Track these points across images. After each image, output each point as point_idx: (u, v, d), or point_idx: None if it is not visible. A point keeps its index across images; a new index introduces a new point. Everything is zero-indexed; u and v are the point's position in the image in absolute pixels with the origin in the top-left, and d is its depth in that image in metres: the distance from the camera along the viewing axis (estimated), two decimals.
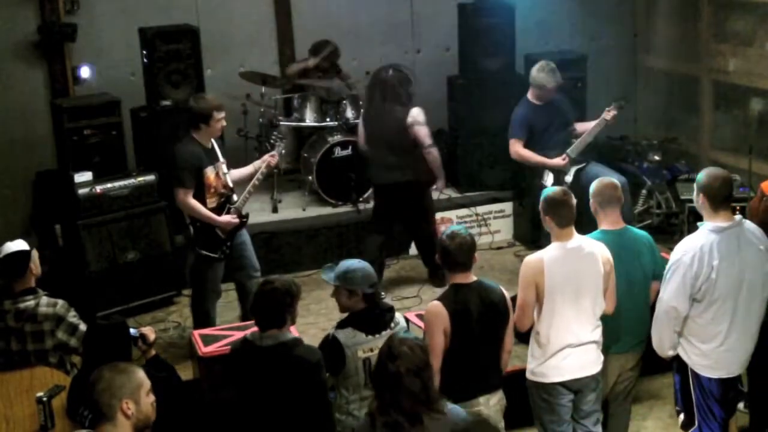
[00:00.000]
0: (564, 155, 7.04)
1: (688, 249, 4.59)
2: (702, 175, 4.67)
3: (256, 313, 4.22)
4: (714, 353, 4.66)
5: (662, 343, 4.76)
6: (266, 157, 6.43)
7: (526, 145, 7.19)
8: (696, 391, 4.77)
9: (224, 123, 6.15)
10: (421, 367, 3.39)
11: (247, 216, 6.32)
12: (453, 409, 3.54)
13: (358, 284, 4.38)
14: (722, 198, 4.60)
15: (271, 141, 7.15)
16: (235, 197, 6.26)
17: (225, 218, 6.13)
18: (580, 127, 7.26)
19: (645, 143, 8.60)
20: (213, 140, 6.18)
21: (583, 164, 7.07)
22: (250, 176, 6.34)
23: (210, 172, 6.07)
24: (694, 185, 4.70)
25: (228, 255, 6.23)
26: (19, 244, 5.00)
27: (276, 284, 4.21)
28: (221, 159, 6.20)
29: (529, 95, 7.26)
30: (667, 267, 4.68)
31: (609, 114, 7.01)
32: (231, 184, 6.25)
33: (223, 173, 6.18)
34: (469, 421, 3.71)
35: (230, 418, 4.25)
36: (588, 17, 9.49)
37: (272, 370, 4.10)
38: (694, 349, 4.71)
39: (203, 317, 6.33)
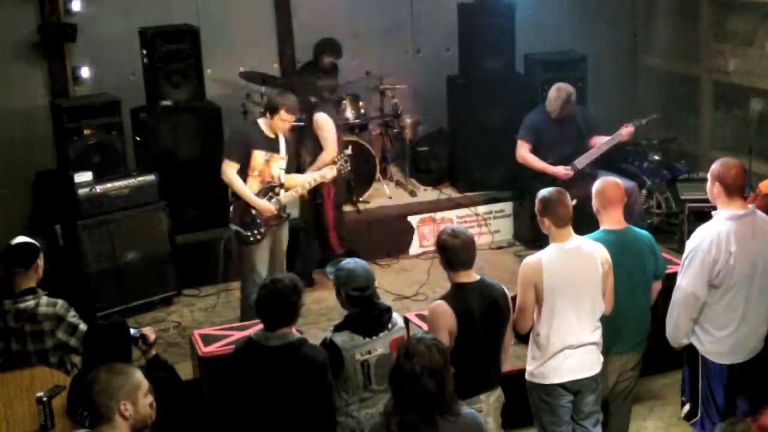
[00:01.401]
0: (569, 166, 7.05)
1: (705, 236, 4.62)
2: (717, 165, 4.71)
3: (263, 312, 4.19)
4: (728, 339, 4.70)
5: (678, 331, 4.77)
6: (326, 169, 6.60)
7: (537, 153, 7.20)
8: (704, 381, 4.79)
9: (288, 126, 6.34)
10: (438, 367, 3.34)
11: (288, 213, 6.51)
12: (468, 412, 3.52)
13: (341, 284, 4.35)
14: (737, 187, 4.65)
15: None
16: (282, 192, 6.38)
17: (263, 202, 6.27)
18: (595, 140, 7.24)
19: (645, 143, 8.61)
20: (282, 136, 6.35)
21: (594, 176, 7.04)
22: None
23: (259, 156, 6.26)
24: (708, 174, 4.74)
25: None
26: (31, 240, 5.03)
27: (284, 282, 4.20)
28: (282, 154, 6.35)
29: (546, 104, 7.28)
30: (685, 255, 4.70)
31: (625, 130, 7.04)
32: (282, 179, 6.38)
33: (280, 167, 6.34)
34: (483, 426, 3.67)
35: (233, 418, 4.24)
36: (588, 17, 9.49)
37: (280, 370, 4.08)
38: (709, 337, 4.73)
39: (247, 305, 6.35)
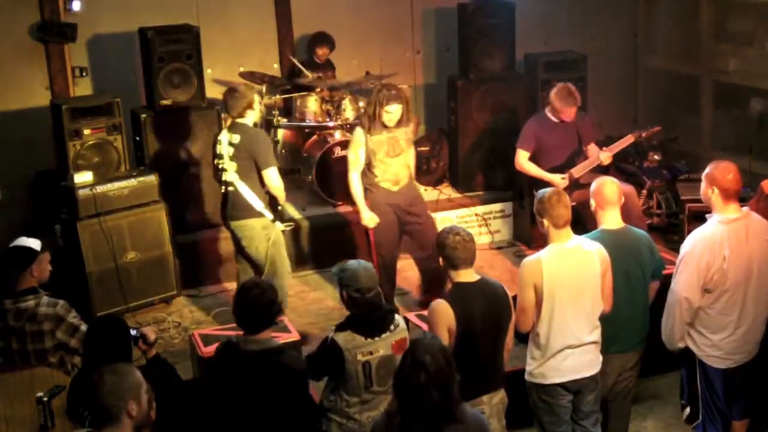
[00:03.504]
0: (566, 174, 7.01)
1: (699, 240, 4.62)
2: (713, 169, 4.68)
3: (243, 316, 4.18)
4: (724, 343, 4.70)
5: (672, 335, 4.76)
6: None
7: (537, 158, 7.16)
8: (702, 383, 4.80)
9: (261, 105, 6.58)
10: (443, 377, 3.31)
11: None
12: (473, 414, 3.51)
13: (343, 285, 4.36)
14: (734, 192, 4.64)
15: None
16: None
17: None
18: (590, 148, 7.14)
19: (645, 143, 8.60)
20: None
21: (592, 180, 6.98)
22: None
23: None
24: (703, 177, 4.71)
25: None
26: (33, 243, 5.01)
27: (262, 286, 4.20)
28: None
29: (547, 109, 7.17)
30: (678, 259, 4.70)
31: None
32: None
33: None
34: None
35: (216, 421, 4.23)
36: (588, 17, 9.49)
37: (256, 375, 4.07)
38: (705, 340, 4.73)
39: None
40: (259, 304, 4.13)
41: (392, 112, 6.34)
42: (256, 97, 6.41)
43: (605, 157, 6.93)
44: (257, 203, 6.27)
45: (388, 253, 6.70)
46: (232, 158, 6.27)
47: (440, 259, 4.48)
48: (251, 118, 6.35)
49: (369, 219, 6.52)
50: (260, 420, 4.08)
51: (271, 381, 4.06)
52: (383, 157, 6.43)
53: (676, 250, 6.54)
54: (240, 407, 4.10)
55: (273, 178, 6.26)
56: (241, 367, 4.09)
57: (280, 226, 6.41)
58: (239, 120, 6.31)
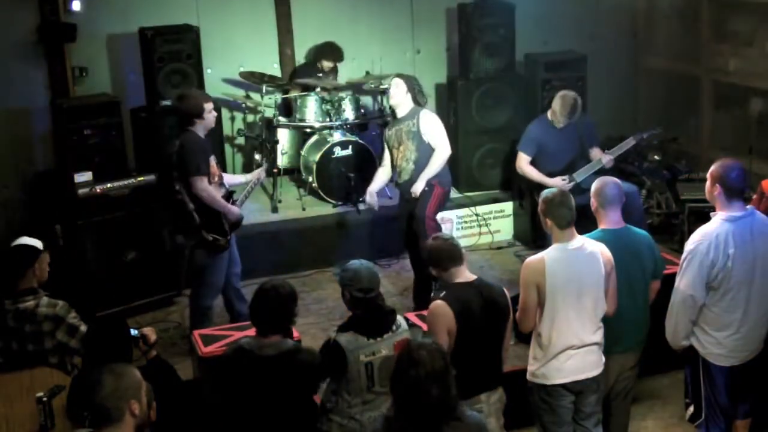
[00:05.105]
0: (567, 177, 7.00)
1: (703, 237, 4.61)
2: (718, 167, 4.68)
3: (262, 317, 4.16)
4: (728, 341, 4.70)
5: (677, 333, 4.76)
6: (258, 171, 6.62)
7: (538, 162, 7.15)
8: (705, 382, 4.79)
9: (215, 114, 6.26)
10: (440, 373, 3.30)
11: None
12: (471, 415, 3.50)
13: (345, 284, 4.36)
14: (738, 189, 4.64)
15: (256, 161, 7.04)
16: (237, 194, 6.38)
17: (234, 208, 6.22)
18: (593, 152, 7.14)
19: (645, 143, 8.59)
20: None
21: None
22: (239, 183, 6.60)
23: (212, 162, 6.20)
24: (708, 175, 4.71)
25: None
26: (35, 242, 5.01)
27: (280, 288, 4.17)
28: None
29: (549, 113, 7.15)
30: (683, 257, 4.69)
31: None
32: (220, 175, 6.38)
33: (216, 164, 6.31)
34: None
35: (223, 424, 4.22)
36: (588, 17, 9.49)
37: (275, 380, 4.05)
38: (709, 338, 4.73)
39: (203, 314, 6.34)
40: (276, 306, 4.12)
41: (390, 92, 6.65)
42: (207, 106, 6.07)
43: (607, 160, 6.95)
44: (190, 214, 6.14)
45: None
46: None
47: (432, 269, 4.49)
48: (201, 127, 6.08)
49: (370, 202, 6.92)
50: (273, 417, 4.08)
51: (291, 382, 4.05)
52: (391, 150, 6.73)
53: (676, 250, 6.57)
54: (251, 410, 4.08)
55: (196, 187, 5.99)
56: (258, 372, 4.06)
57: (205, 235, 6.10)
58: (189, 128, 6.09)
